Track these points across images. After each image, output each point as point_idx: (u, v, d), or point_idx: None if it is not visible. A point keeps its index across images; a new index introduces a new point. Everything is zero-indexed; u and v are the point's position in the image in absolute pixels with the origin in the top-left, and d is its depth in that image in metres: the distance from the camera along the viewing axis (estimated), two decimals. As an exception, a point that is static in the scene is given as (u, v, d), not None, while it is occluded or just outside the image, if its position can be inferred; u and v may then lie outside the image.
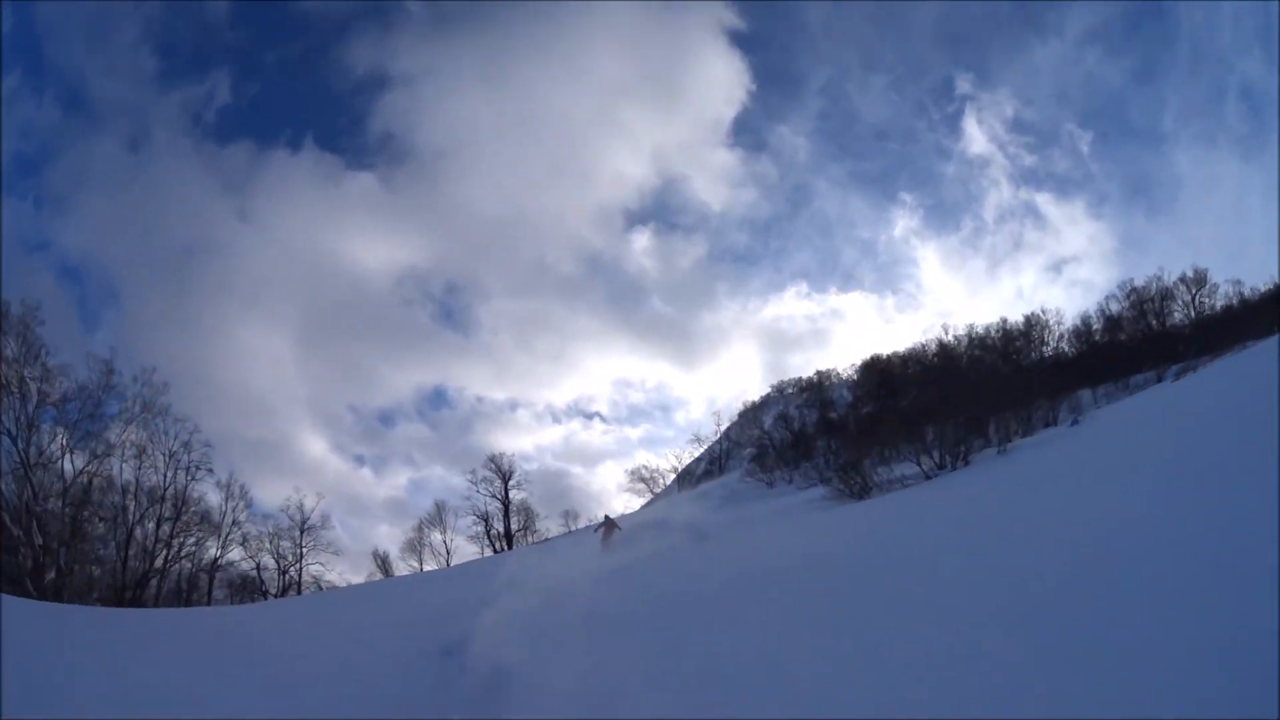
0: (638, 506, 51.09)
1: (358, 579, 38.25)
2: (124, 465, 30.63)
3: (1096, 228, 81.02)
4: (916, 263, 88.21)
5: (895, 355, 57.85)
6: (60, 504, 28.51)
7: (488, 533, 38.66)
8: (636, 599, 11.10)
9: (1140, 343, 43.90)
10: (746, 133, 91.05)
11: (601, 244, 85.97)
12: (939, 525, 11.60)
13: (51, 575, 27.06)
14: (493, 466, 41.40)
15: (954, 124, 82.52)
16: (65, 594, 26.94)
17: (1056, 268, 76.89)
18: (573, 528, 38.96)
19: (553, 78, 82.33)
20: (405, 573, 37.59)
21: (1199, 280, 47.18)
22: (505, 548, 36.61)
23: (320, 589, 36.06)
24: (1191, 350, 37.14)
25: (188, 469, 31.77)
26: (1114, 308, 49.25)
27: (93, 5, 61.93)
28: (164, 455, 31.38)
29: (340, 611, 18.83)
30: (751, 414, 61.72)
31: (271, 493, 61.36)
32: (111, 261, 72.62)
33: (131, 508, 30.27)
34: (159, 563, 30.84)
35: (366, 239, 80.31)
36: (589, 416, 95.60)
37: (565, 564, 18.74)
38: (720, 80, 77.80)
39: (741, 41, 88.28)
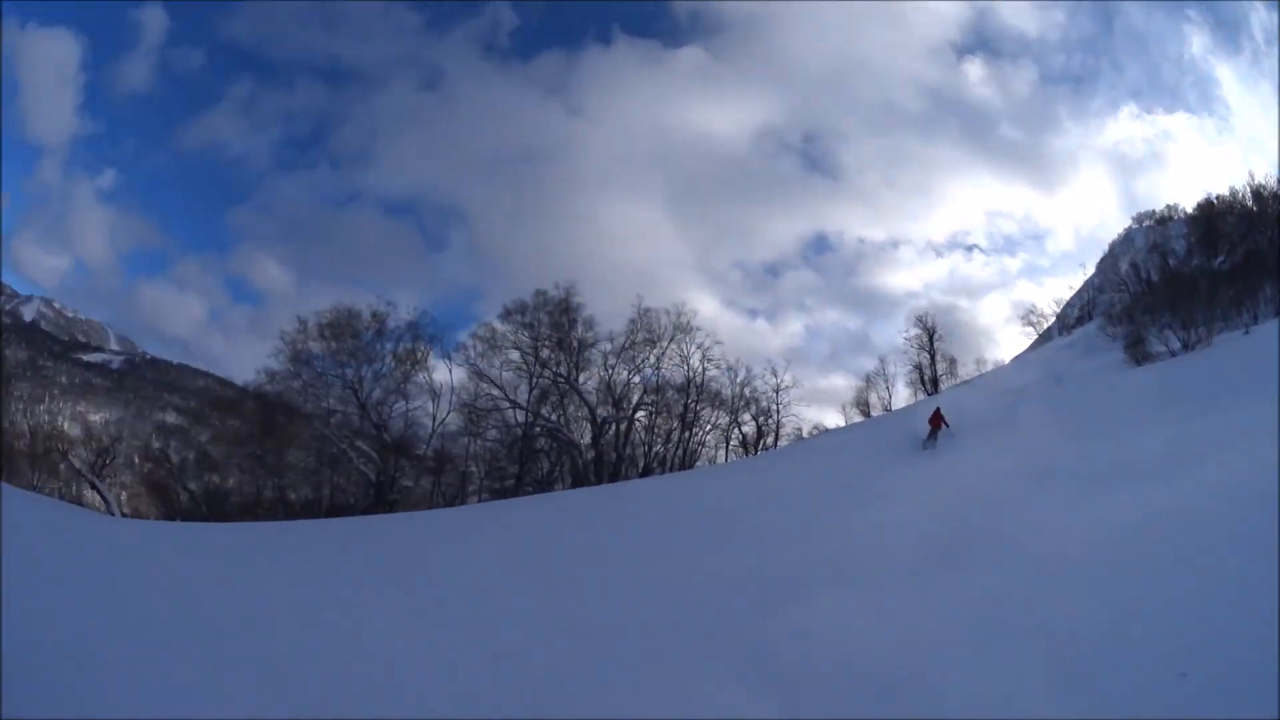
0: (1033, 339, 59.08)
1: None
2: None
3: None
4: (1219, 82, 76.96)
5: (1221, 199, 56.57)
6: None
7: (922, 380, 45.46)
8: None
9: None
10: None
11: (939, 77, 79.83)
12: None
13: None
14: (920, 324, 48.03)
15: None
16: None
17: None
18: (982, 371, 47.89)
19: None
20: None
21: None
22: (934, 390, 43.99)
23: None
24: None
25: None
26: None
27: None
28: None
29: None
30: (1109, 260, 62.84)
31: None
32: (440, 186, 76.03)
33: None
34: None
35: (711, 107, 77.88)
36: (968, 249, 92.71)
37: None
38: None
39: None
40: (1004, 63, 77.98)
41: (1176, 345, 31.36)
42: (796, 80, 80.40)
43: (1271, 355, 20.90)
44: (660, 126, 76.22)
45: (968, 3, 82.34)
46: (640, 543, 16.83)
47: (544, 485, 34.11)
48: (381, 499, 30.49)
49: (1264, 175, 56.38)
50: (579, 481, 33.22)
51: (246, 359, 62.87)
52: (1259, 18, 69.25)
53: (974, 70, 78.72)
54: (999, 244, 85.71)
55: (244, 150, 64.56)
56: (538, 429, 34.36)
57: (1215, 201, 56.75)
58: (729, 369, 39.06)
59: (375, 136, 67.40)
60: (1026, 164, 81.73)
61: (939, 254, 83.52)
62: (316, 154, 68.27)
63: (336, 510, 30.42)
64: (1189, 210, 59.96)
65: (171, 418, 45.01)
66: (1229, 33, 77.53)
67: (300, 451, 33.57)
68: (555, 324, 34.78)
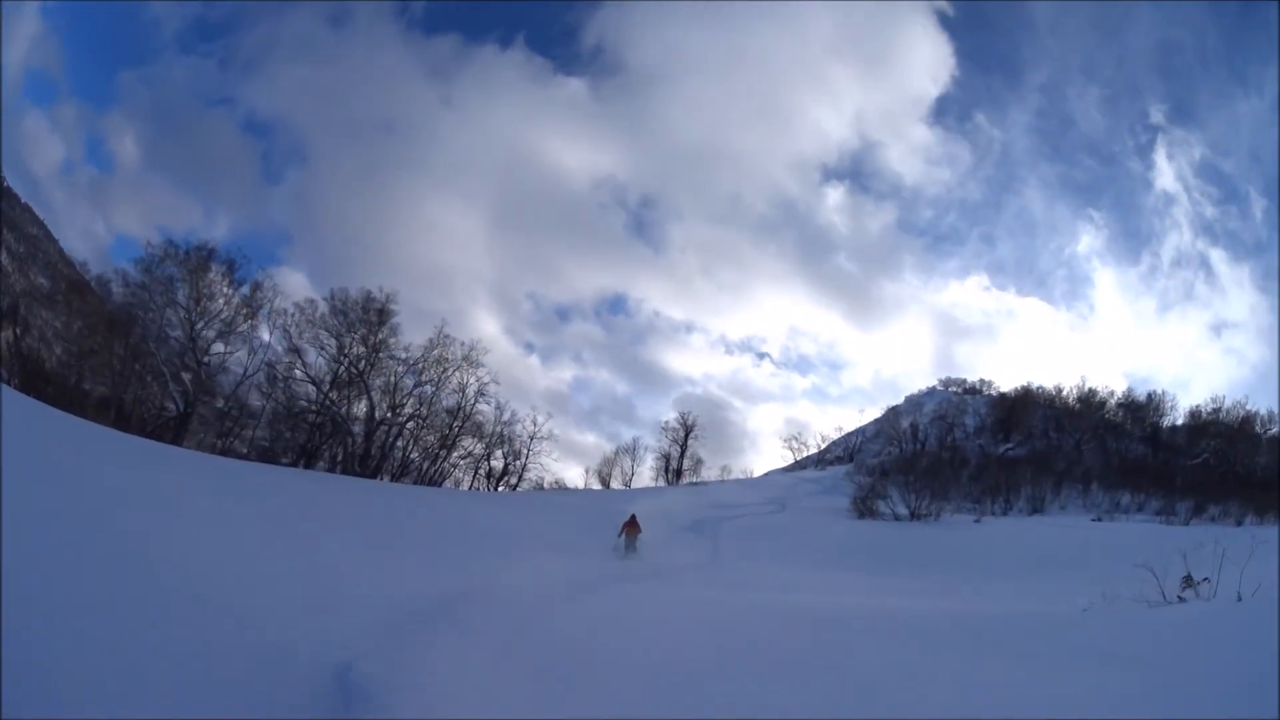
0: (789, 462, 59.98)
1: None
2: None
3: (1259, 300, 77.38)
4: (1093, 284, 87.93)
5: (1040, 391, 60.31)
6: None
7: (666, 469, 48.30)
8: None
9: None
10: (948, 114, 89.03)
11: (796, 191, 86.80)
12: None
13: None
14: (680, 420, 51.03)
15: (1145, 154, 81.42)
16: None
17: (1217, 329, 76.42)
18: (725, 479, 49.19)
19: (765, 21, 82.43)
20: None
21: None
22: (676, 481, 47.20)
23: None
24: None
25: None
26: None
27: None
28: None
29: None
30: (891, 418, 64.17)
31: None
32: (301, 124, 77.21)
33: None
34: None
35: (569, 140, 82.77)
36: (760, 355, 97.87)
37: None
38: (927, 57, 78.51)
39: (950, 24, 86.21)
40: (867, 199, 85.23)
41: (903, 513, 32.09)
42: (657, 146, 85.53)
43: (993, 544, 22.76)
44: (519, 144, 78.90)
45: (858, 134, 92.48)
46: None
47: (308, 458, 36.06)
48: (184, 429, 33.16)
49: (1101, 382, 65.14)
50: (346, 467, 35.38)
51: (76, 220, 56.66)
52: (1178, 239, 76.05)
53: (834, 196, 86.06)
54: (792, 360, 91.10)
55: (162, 14, 62.50)
56: (318, 407, 36.41)
57: (1032, 391, 61.00)
58: (498, 406, 41.46)
59: (270, 51, 69.57)
60: (850, 297, 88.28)
61: (729, 351, 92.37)
62: (215, 46, 67.65)
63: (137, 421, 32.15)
64: (1001, 389, 64.38)
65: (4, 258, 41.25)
66: (1131, 244, 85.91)
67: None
68: (366, 321, 36.98)
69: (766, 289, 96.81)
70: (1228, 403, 52.92)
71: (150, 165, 63.54)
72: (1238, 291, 78.64)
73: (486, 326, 73.89)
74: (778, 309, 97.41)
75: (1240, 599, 9.80)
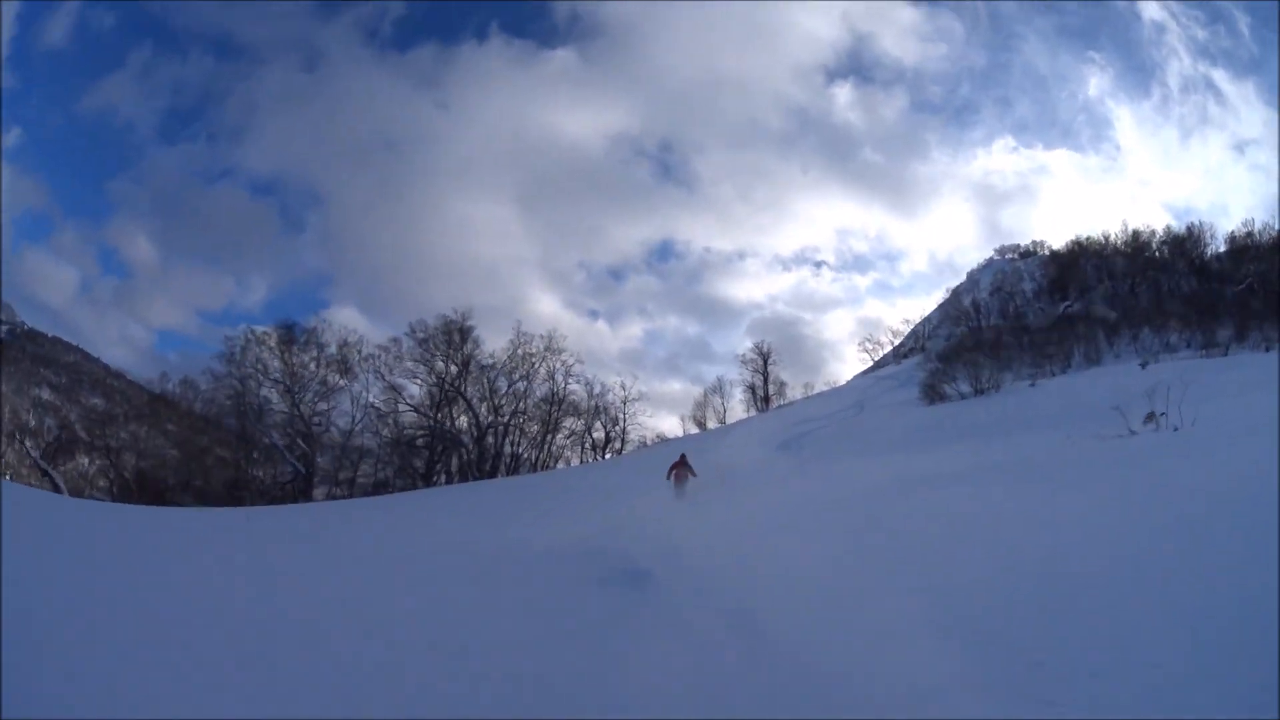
0: (869, 365, 61.68)
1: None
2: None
3: (1269, 114, 72.44)
4: (1112, 124, 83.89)
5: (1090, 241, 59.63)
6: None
7: (754, 398, 50.52)
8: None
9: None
10: None
11: (805, 98, 79.91)
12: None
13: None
14: (756, 350, 53.16)
15: None
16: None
17: (1240, 148, 68.86)
18: (810, 394, 52.19)
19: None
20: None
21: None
22: (766, 408, 49.63)
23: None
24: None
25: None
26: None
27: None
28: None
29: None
30: (953, 300, 64.87)
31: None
32: (306, 169, 76.23)
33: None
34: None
35: (574, 109, 78.62)
36: (816, 265, 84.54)
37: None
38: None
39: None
40: (875, 89, 79.02)
41: (968, 390, 34.99)
42: (660, 89, 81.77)
43: (1044, 402, 25.43)
44: (521, 126, 77.47)
45: (848, 30, 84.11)
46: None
47: (426, 477, 38.61)
48: (309, 487, 36.11)
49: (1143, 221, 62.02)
50: (464, 475, 37.60)
51: (112, 332, 60.78)
52: (1179, 66, 74.20)
53: (843, 94, 79.74)
54: (848, 262, 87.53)
55: (134, 117, 61.65)
56: (426, 429, 39.22)
57: (1081, 244, 60.36)
58: (587, 384, 43.83)
59: (253, 114, 65.25)
60: (886, 188, 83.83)
61: (786, 268, 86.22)
62: (197, 128, 66.39)
63: (264, 496, 35.13)
64: (1054, 247, 63.47)
65: (47, 394, 44.26)
66: (1138, 78, 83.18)
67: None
68: (449, 341, 39.81)
69: (805, 199, 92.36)
70: (1258, 225, 51.96)
71: (169, 256, 64.15)
72: (1247, 109, 72.32)
73: (547, 306, 72.22)
74: (821, 215, 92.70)
75: (1176, 430, 13.14)
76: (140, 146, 62.35)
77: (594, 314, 79.88)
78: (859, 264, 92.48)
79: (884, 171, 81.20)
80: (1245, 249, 51.71)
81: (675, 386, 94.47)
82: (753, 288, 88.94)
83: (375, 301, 78.39)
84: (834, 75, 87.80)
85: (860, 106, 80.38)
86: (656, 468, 25.07)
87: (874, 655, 4.89)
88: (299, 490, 36.08)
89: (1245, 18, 68.13)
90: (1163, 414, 14.28)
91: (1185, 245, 55.30)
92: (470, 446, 39.83)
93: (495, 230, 74.06)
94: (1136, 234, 57.56)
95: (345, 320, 62.19)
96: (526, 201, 76.20)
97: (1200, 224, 55.73)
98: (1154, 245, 56.98)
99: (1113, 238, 59.20)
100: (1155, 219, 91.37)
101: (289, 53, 72.62)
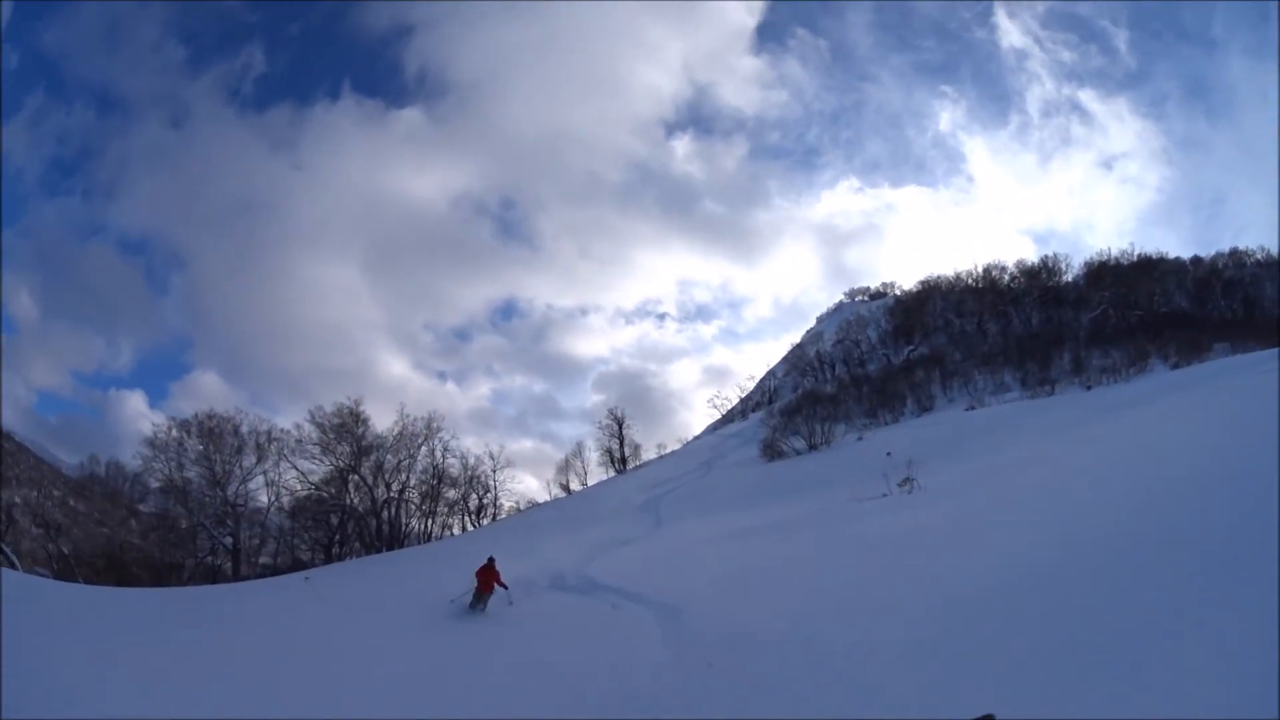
0: (718, 417, 63.63)
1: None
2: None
3: (1144, 125, 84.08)
4: (965, 156, 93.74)
5: (941, 280, 61.20)
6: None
7: (611, 460, 53.05)
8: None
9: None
10: (770, 39, 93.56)
11: (645, 152, 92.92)
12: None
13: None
14: (610, 416, 55.01)
15: (984, 20, 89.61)
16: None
17: (1107, 164, 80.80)
18: (663, 453, 54.96)
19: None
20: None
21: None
22: (623, 469, 52.33)
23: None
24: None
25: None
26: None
27: (106, 13, 69.46)
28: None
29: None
30: (797, 353, 68.55)
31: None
32: (171, 230, 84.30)
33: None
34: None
35: (419, 169, 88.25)
36: (659, 317, 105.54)
37: None
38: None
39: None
40: (714, 140, 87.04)
41: (802, 446, 38.89)
42: (503, 146, 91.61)
43: (854, 460, 29.31)
44: (369, 187, 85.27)
45: (689, 81, 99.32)
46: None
47: (338, 554, 39.71)
48: (239, 561, 37.99)
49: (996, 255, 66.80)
50: (368, 548, 39.20)
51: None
52: (1041, 91, 79.63)
53: (682, 146, 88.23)
54: (691, 312, 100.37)
55: (22, 166, 66.27)
56: (333, 507, 40.88)
57: (931, 283, 62.96)
58: (461, 456, 46.21)
59: (125, 169, 74.93)
60: (727, 236, 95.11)
61: (629, 321, 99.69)
62: (75, 181, 74.19)
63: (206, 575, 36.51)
64: (905, 287, 67.15)
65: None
66: (997, 107, 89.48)
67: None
68: (344, 425, 41.55)
69: (646, 252, 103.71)
70: (1125, 243, 58.13)
71: (48, 314, 68.27)
72: (1118, 125, 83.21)
73: (396, 369, 78.64)
74: (662, 268, 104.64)
75: (910, 492, 17.63)
76: (24, 198, 67.76)
77: (442, 375, 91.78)
78: (702, 313, 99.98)
79: (725, 220, 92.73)
80: (1101, 275, 53.62)
81: (527, 444, 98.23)
82: (597, 342, 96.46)
83: (234, 367, 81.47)
84: (673, 128, 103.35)
85: (700, 158, 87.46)
86: (521, 535, 28.33)
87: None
88: (233, 568, 37.74)
89: (1123, 33, 78.46)
90: (913, 479, 18.70)
91: (1040, 276, 57.21)
92: (370, 521, 41.46)
93: (343, 293, 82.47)
94: (988, 270, 59.75)
95: (207, 386, 67.12)
96: (372, 264, 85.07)
97: (1054, 255, 58.67)
98: (1005, 279, 58.93)
99: (965, 273, 61.89)
100: (1013, 246, 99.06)
101: (159, 107, 79.81)
